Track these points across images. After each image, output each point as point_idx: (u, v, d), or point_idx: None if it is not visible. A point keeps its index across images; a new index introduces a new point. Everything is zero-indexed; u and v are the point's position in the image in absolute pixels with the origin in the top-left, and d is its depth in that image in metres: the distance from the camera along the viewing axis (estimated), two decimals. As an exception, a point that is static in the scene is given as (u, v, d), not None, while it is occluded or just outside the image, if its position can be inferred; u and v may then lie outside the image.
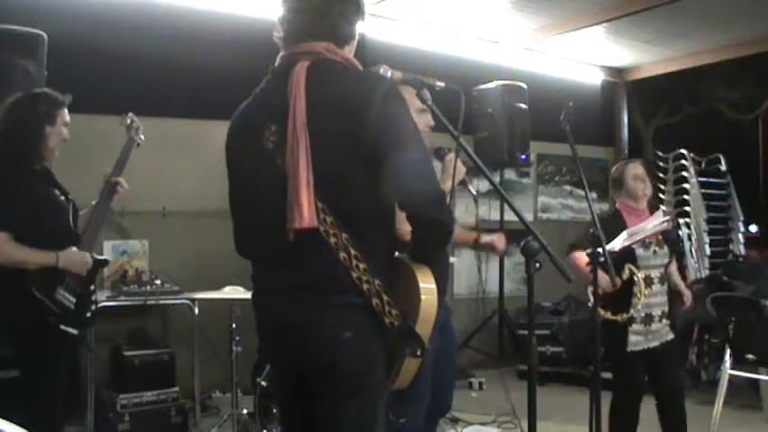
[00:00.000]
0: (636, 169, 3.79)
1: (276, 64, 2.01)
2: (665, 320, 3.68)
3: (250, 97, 2.05)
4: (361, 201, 1.86)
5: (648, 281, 3.61)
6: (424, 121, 2.63)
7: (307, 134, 1.82)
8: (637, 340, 3.59)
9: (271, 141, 1.91)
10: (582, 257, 3.41)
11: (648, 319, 3.60)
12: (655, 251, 3.66)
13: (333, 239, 1.83)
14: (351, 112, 1.83)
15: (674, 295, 3.84)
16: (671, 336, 3.72)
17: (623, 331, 3.58)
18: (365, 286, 1.83)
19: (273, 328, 1.98)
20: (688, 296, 3.92)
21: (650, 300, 3.60)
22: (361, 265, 1.83)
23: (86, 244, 3.12)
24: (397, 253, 2.04)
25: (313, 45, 1.93)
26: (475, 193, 2.69)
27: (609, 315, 3.56)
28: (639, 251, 3.62)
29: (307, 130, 1.82)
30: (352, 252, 1.83)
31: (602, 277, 3.25)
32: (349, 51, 2.01)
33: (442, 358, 2.94)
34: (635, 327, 3.58)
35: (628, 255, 3.58)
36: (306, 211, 1.79)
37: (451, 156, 2.73)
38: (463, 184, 2.62)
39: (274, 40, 2.02)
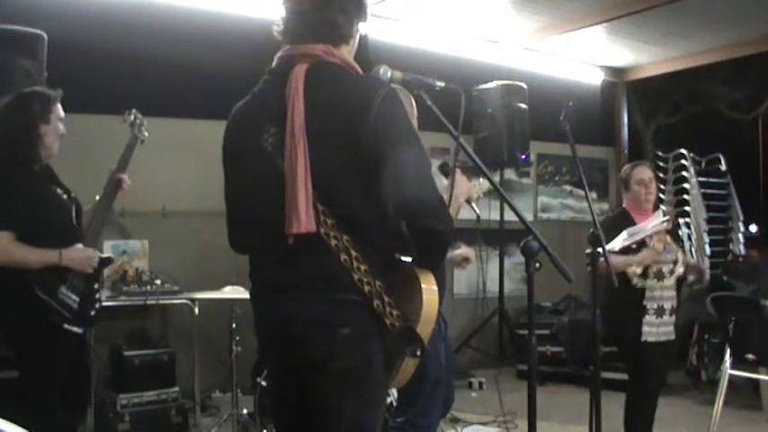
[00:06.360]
0: (641, 174, 3.85)
1: (273, 65, 1.99)
2: (673, 317, 3.76)
3: (248, 96, 2.04)
4: (360, 203, 1.85)
5: (660, 275, 3.69)
6: None
7: (305, 138, 1.81)
8: (649, 331, 3.67)
9: (270, 144, 1.90)
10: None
11: (660, 311, 3.69)
12: (665, 246, 3.72)
13: (333, 242, 1.82)
14: (349, 115, 1.82)
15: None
16: (674, 336, 3.80)
17: (638, 321, 3.65)
18: (366, 288, 1.83)
19: (272, 324, 1.97)
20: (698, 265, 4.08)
21: (663, 293, 3.70)
22: (362, 267, 1.83)
23: (90, 240, 3.09)
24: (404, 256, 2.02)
25: (311, 48, 1.92)
26: (478, 211, 2.65)
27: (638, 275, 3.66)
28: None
29: (305, 133, 1.81)
30: (353, 254, 1.83)
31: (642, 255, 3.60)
32: (347, 52, 1.99)
33: (447, 362, 2.99)
34: (648, 318, 3.66)
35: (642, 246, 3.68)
36: (304, 217, 1.79)
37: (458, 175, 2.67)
38: (468, 201, 2.59)
39: (274, 33, 2.00)
